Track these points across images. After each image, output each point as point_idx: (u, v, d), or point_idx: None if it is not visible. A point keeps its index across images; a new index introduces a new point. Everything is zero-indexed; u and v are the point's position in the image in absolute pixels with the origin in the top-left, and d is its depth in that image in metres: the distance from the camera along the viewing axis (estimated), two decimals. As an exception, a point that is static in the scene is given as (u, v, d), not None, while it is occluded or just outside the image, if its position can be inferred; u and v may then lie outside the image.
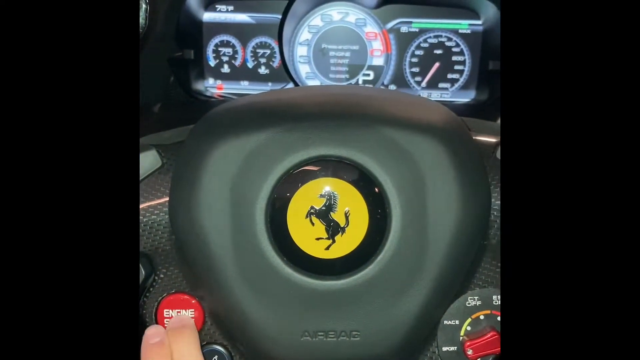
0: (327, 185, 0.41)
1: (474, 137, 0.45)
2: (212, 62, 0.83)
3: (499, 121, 0.69)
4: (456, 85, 0.83)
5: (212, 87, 0.84)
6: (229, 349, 0.48)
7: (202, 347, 0.47)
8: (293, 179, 0.41)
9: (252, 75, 0.84)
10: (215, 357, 0.47)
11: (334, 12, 0.81)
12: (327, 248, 0.41)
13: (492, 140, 0.47)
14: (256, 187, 0.41)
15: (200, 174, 0.41)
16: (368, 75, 0.83)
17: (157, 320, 0.47)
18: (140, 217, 0.44)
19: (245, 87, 0.83)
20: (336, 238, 0.41)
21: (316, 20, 0.81)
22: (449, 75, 0.83)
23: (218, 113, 0.45)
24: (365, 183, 0.41)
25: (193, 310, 0.47)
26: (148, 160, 0.45)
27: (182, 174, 0.43)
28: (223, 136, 0.42)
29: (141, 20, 0.50)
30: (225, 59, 0.83)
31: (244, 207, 0.41)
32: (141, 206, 0.44)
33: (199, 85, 0.82)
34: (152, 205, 0.45)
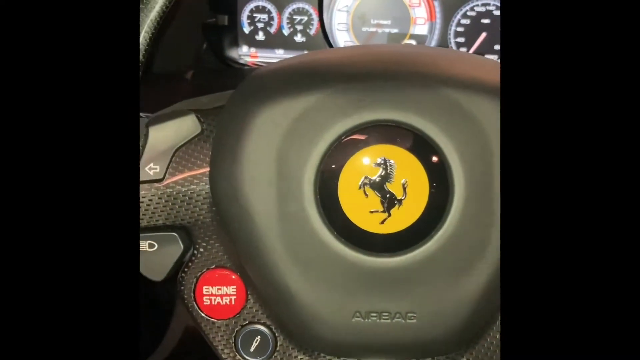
0: (383, 152, 0.37)
1: None
2: (247, 29, 0.79)
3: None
4: (504, 56, 0.79)
5: (246, 54, 0.81)
6: (272, 329, 0.45)
7: (243, 327, 0.44)
8: (345, 146, 0.38)
9: (287, 43, 0.80)
10: (258, 337, 0.45)
11: (376, -23, 0.77)
12: (382, 222, 0.38)
13: None
14: (304, 155, 0.37)
15: (244, 140, 0.38)
16: (410, 44, 0.79)
17: (196, 297, 0.44)
18: (179, 187, 0.41)
19: (280, 55, 0.80)
20: (392, 211, 0.38)
21: (357, -15, 0.77)
22: (496, 47, 0.79)
23: (262, 74, 0.41)
24: (425, 151, 0.37)
25: (234, 287, 0.44)
26: (186, 126, 0.42)
27: (224, 140, 0.39)
28: (268, 99, 0.38)
29: None
30: (260, 25, 0.79)
31: (291, 177, 0.38)
32: (179, 176, 0.41)
33: (233, 53, 0.79)
34: (191, 175, 0.42)
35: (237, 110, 0.39)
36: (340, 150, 0.38)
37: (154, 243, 0.42)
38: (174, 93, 0.50)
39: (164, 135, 0.42)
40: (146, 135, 0.42)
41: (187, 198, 0.42)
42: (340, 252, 0.38)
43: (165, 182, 0.41)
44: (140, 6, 0.41)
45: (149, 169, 0.41)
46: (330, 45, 0.76)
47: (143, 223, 0.42)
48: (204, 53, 0.76)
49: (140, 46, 0.42)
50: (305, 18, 0.79)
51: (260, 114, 0.38)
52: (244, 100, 0.40)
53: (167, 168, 0.41)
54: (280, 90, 0.39)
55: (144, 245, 0.42)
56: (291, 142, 0.38)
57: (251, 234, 0.39)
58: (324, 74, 0.39)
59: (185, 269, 0.44)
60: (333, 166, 0.38)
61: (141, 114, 0.45)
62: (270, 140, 0.38)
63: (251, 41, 0.80)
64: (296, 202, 0.38)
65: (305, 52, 0.80)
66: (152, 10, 0.42)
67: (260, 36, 0.80)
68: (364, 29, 0.79)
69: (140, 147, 0.41)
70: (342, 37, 0.79)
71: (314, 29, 0.79)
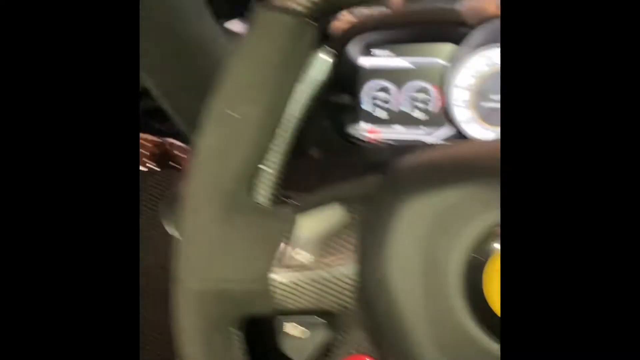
0: None
1: None
2: (367, 107, 0.82)
3: None
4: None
5: (367, 131, 0.83)
6: (414, 420, 0.45)
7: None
8: (491, 238, 0.38)
9: (407, 120, 0.82)
10: None
11: (496, 54, 0.78)
12: (532, 317, 0.37)
13: None
14: (450, 248, 0.38)
15: (391, 232, 0.39)
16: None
17: (337, 382, 0.45)
18: (326, 275, 0.43)
19: (400, 132, 0.82)
20: None
21: (477, 62, 0.78)
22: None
23: (408, 166, 0.43)
24: None
25: (376, 374, 0.44)
26: (333, 215, 0.44)
27: (371, 231, 0.41)
28: (414, 191, 0.40)
29: (323, 76, 0.49)
30: (380, 103, 0.82)
31: (438, 270, 0.38)
32: (327, 262, 0.43)
33: (354, 130, 0.82)
34: (338, 263, 0.43)
35: (385, 201, 0.41)
36: (486, 243, 0.38)
37: (301, 327, 0.44)
38: (304, 170, 0.52)
39: (311, 223, 0.44)
40: (293, 222, 0.44)
41: (334, 285, 0.43)
42: (487, 346, 0.38)
43: (313, 269, 0.43)
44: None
45: (298, 255, 0.43)
46: (451, 123, 0.77)
47: (292, 306, 0.43)
48: (325, 131, 0.79)
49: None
50: (425, 96, 0.80)
51: (407, 206, 0.39)
52: (391, 191, 0.41)
53: (315, 255, 0.43)
54: (425, 183, 0.40)
55: (291, 328, 0.44)
56: (437, 235, 0.38)
57: (397, 325, 0.39)
58: (469, 167, 0.40)
59: (328, 353, 0.45)
60: (479, 259, 0.38)
61: (283, 195, 0.48)
62: (417, 233, 0.39)
63: (371, 118, 0.82)
64: (443, 296, 0.38)
65: (425, 128, 0.81)
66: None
67: (381, 113, 0.82)
68: (484, 104, 0.79)
69: (289, 234, 0.43)
70: (462, 113, 0.80)
71: (433, 106, 0.80)
